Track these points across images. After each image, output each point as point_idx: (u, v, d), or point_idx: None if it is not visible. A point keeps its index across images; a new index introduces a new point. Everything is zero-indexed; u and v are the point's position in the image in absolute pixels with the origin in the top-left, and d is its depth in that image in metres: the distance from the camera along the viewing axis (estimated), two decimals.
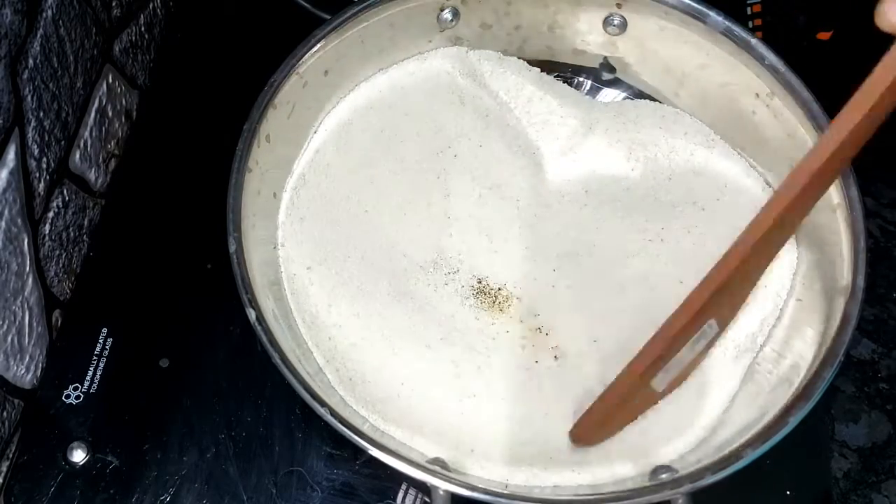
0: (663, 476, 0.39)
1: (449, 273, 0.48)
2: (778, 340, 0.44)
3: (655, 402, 0.42)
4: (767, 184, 0.48)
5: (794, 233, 0.36)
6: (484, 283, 0.48)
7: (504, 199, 0.50)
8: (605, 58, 0.52)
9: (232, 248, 0.41)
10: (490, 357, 0.45)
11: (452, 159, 0.51)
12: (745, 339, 0.44)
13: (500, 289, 0.48)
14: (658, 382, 0.40)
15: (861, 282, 0.39)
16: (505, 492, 0.37)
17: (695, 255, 0.48)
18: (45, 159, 0.46)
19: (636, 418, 0.42)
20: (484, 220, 0.50)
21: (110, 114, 0.54)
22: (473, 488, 0.36)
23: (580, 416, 0.42)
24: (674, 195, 0.50)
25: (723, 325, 0.40)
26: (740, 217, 0.48)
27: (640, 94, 0.53)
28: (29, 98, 0.43)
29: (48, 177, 0.47)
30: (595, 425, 0.42)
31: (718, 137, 0.50)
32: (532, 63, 0.53)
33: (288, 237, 0.47)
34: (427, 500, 0.44)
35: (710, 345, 0.41)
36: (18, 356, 0.45)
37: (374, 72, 0.52)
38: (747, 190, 0.49)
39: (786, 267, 0.45)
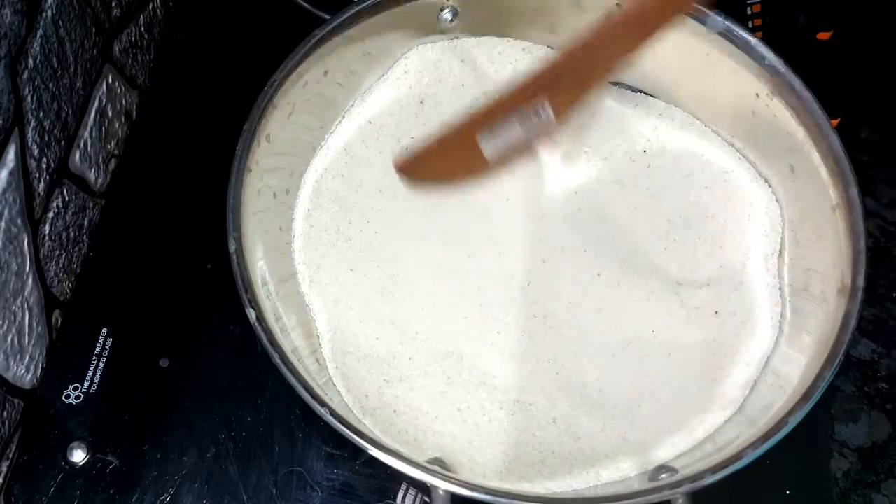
0: (663, 476, 0.39)
1: (451, 277, 0.48)
2: (778, 341, 0.44)
3: (483, 171, 0.43)
4: (767, 183, 0.48)
5: (642, 42, 0.38)
6: (485, 288, 0.48)
7: (507, 192, 0.50)
8: None
9: (232, 248, 0.41)
10: (490, 364, 0.45)
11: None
12: (746, 347, 0.44)
13: (501, 294, 0.48)
14: (486, 144, 0.41)
15: (861, 282, 0.39)
16: (505, 491, 0.37)
17: (693, 257, 0.48)
18: (45, 159, 0.46)
19: (461, 178, 0.44)
20: (485, 219, 0.50)
21: (110, 114, 0.54)
22: (473, 488, 0.36)
23: (410, 152, 0.44)
24: (671, 192, 0.50)
25: (559, 115, 0.41)
26: (740, 218, 0.48)
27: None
28: (29, 98, 0.43)
29: (48, 177, 0.47)
30: (419, 161, 0.44)
31: (718, 138, 0.50)
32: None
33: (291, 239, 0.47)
34: (427, 500, 0.44)
35: (544, 131, 0.41)
36: (18, 356, 0.45)
37: (375, 71, 0.52)
38: (747, 191, 0.49)
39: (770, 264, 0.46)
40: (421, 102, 0.52)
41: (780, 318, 0.45)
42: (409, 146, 0.44)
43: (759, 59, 0.45)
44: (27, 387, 0.46)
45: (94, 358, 0.48)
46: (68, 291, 0.50)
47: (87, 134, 0.51)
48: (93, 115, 0.52)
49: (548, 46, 0.53)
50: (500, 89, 0.40)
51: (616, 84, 0.53)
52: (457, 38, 0.53)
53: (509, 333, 0.46)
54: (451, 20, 0.51)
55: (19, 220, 0.44)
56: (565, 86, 0.39)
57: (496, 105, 0.40)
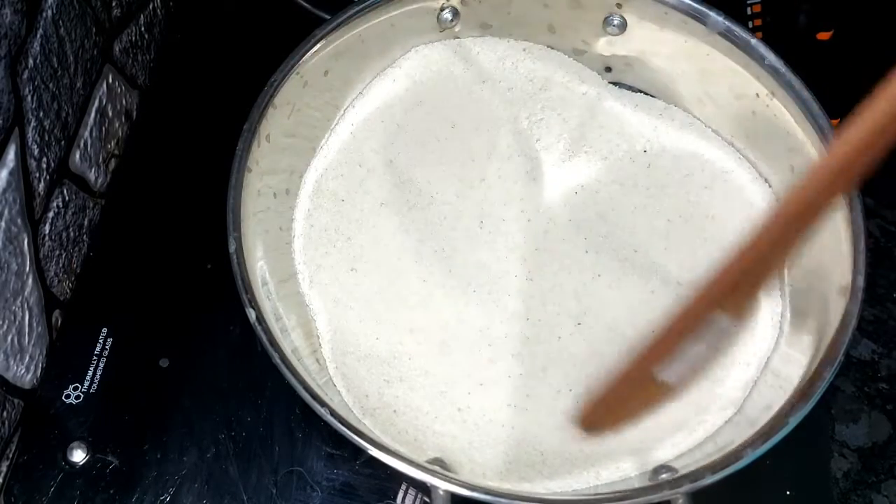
0: (663, 476, 0.39)
1: (450, 273, 0.48)
2: (778, 340, 0.44)
3: (673, 394, 0.41)
4: (767, 183, 0.48)
5: (805, 236, 0.36)
6: (485, 287, 0.48)
7: (507, 193, 0.50)
8: (605, 58, 0.52)
9: (232, 248, 0.41)
10: (491, 364, 0.45)
11: (452, 153, 0.51)
12: (741, 345, 0.45)
13: (502, 294, 0.47)
14: (668, 375, 0.40)
15: (861, 282, 0.39)
16: (505, 491, 0.37)
17: (693, 257, 0.48)
18: (45, 159, 0.46)
19: (653, 407, 0.41)
20: (485, 219, 0.50)
21: (110, 114, 0.54)
22: (473, 488, 0.36)
23: (586, 405, 0.42)
24: (671, 192, 0.50)
25: (737, 319, 0.39)
26: (740, 218, 0.48)
27: None
28: (29, 98, 0.43)
29: (48, 177, 0.47)
30: (601, 415, 0.41)
31: (718, 138, 0.50)
32: None
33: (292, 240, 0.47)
34: (427, 500, 0.44)
35: (726, 340, 0.40)
36: (18, 356, 0.45)
37: (375, 71, 0.52)
38: (747, 191, 0.49)
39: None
40: (421, 102, 0.52)
41: (780, 318, 0.45)
42: (583, 399, 0.41)
43: (759, 59, 0.45)
44: (27, 387, 0.46)
45: (94, 358, 0.48)
46: (68, 291, 0.50)
47: (87, 134, 0.51)
48: (93, 114, 0.52)
49: (548, 46, 0.53)
50: (669, 321, 0.37)
51: (616, 84, 0.53)
52: (457, 38, 0.53)
53: (510, 333, 0.46)
54: (451, 20, 0.51)
55: (19, 220, 0.44)
56: (737, 292, 0.37)
57: (669, 337, 0.38)
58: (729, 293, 0.37)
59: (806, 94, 0.44)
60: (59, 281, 0.49)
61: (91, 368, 0.47)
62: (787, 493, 0.45)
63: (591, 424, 0.42)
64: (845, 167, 0.32)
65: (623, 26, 0.50)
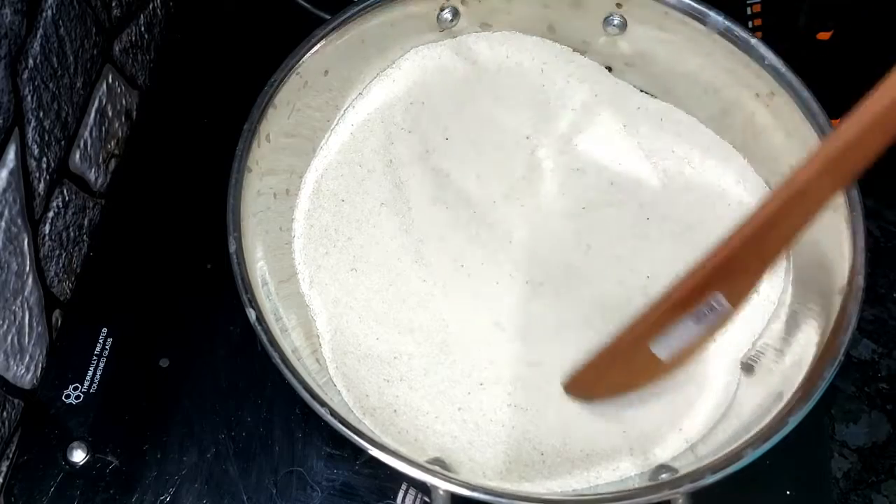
0: (663, 476, 0.39)
1: (450, 273, 0.48)
2: (777, 340, 0.44)
3: (662, 373, 0.41)
4: (767, 184, 0.48)
5: (806, 225, 0.36)
6: (485, 287, 0.48)
7: (507, 192, 0.50)
8: (605, 58, 0.52)
9: (232, 248, 0.41)
10: (491, 364, 0.45)
11: (449, 150, 0.51)
12: (735, 341, 0.45)
13: (502, 293, 0.47)
14: (660, 349, 0.39)
15: (861, 282, 0.39)
16: (505, 491, 0.37)
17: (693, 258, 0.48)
18: (45, 159, 0.46)
19: (640, 385, 0.42)
20: (485, 219, 0.50)
21: (110, 114, 0.54)
22: (473, 488, 0.36)
23: (576, 369, 0.42)
24: (671, 194, 0.50)
25: (735, 303, 0.39)
26: (740, 219, 0.48)
27: None
28: (29, 98, 0.43)
29: (48, 177, 0.47)
30: (590, 379, 0.42)
31: (718, 138, 0.50)
32: None
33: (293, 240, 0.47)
34: (427, 500, 0.44)
35: (722, 322, 0.40)
36: (18, 356, 0.45)
37: (375, 71, 0.52)
38: (746, 192, 0.49)
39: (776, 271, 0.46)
40: (422, 102, 0.52)
41: (776, 318, 0.45)
42: (575, 364, 0.42)
43: (759, 59, 0.45)
44: (27, 387, 0.46)
45: (94, 358, 0.48)
46: (68, 291, 0.50)
47: (87, 134, 0.51)
48: (93, 114, 0.52)
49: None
50: (667, 292, 0.38)
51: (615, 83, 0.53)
52: (457, 37, 0.53)
53: (510, 333, 0.46)
54: (451, 20, 0.51)
55: (19, 220, 0.44)
56: (737, 273, 0.37)
57: (665, 309, 0.38)
58: (727, 274, 0.37)
59: (806, 94, 0.44)
60: (59, 281, 0.49)
61: (91, 368, 0.47)
62: (787, 493, 0.45)
63: (580, 391, 0.42)
64: (841, 160, 0.32)
65: (623, 26, 0.50)
